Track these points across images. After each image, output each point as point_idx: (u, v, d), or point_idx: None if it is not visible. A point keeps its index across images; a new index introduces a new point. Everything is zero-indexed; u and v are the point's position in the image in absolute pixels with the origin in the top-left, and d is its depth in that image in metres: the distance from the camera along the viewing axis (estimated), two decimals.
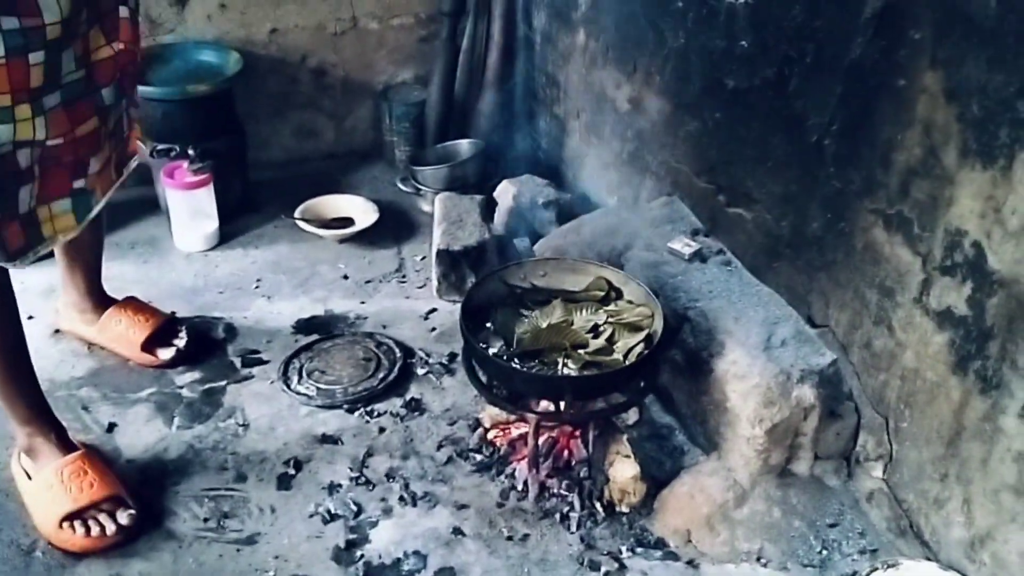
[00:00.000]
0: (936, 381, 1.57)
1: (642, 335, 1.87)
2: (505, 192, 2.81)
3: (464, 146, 3.10)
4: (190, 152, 2.62)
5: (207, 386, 2.19)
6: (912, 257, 1.57)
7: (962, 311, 1.49)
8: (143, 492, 1.87)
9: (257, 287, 2.59)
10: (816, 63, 1.73)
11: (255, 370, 2.25)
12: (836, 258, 1.77)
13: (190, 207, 2.69)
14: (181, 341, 2.26)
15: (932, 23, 1.46)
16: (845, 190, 1.71)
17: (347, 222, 2.85)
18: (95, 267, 2.21)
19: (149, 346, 2.22)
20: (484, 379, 1.89)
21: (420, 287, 2.60)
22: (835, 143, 1.71)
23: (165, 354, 2.23)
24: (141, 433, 2.05)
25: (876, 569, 1.59)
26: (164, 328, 2.26)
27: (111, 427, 2.06)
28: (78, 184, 1.68)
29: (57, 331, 2.32)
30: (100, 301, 2.25)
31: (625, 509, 1.86)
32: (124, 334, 2.21)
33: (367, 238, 2.81)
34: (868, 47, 1.59)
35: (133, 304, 2.27)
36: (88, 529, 1.75)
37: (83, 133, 1.62)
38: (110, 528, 1.75)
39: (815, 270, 1.84)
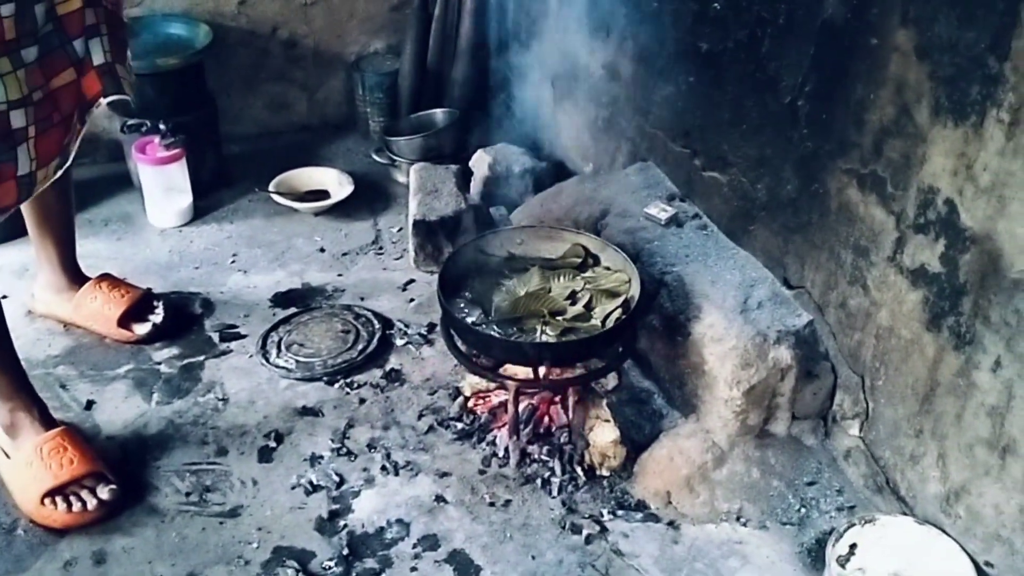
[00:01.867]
0: (911, 339, 1.59)
1: (619, 300, 1.88)
2: (481, 161, 2.80)
3: (438, 115, 3.08)
4: (161, 127, 2.59)
5: (185, 361, 2.18)
6: (886, 216, 1.59)
7: (936, 268, 1.50)
8: (124, 468, 1.87)
9: (233, 262, 2.57)
10: (788, 24, 1.73)
11: (233, 344, 2.24)
12: (811, 219, 1.78)
13: (163, 182, 2.66)
14: (157, 316, 2.25)
15: None
16: (819, 151, 1.72)
17: (322, 195, 2.83)
18: (68, 242, 2.19)
19: (125, 322, 2.20)
20: (463, 348, 1.89)
21: (397, 258, 2.59)
22: (808, 104, 1.72)
23: (141, 329, 2.22)
24: (120, 409, 2.04)
25: (853, 525, 1.61)
26: (140, 304, 2.24)
27: (90, 404, 2.05)
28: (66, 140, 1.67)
29: (29, 313, 2.30)
30: (75, 279, 2.22)
31: (606, 473, 1.88)
32: (100, 311, 2.19)
33: (343, 210, 2.79)
34: (840, 6, 1.59)
35: (108, 280, 2.25)
36: (70, 505, 1.74)
37: (60, 85, 1.60)
38: (91, 503, 1.75)
39: (790, 232, 1.85)
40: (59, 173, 1.69)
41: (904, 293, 1.58)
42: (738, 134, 1.95)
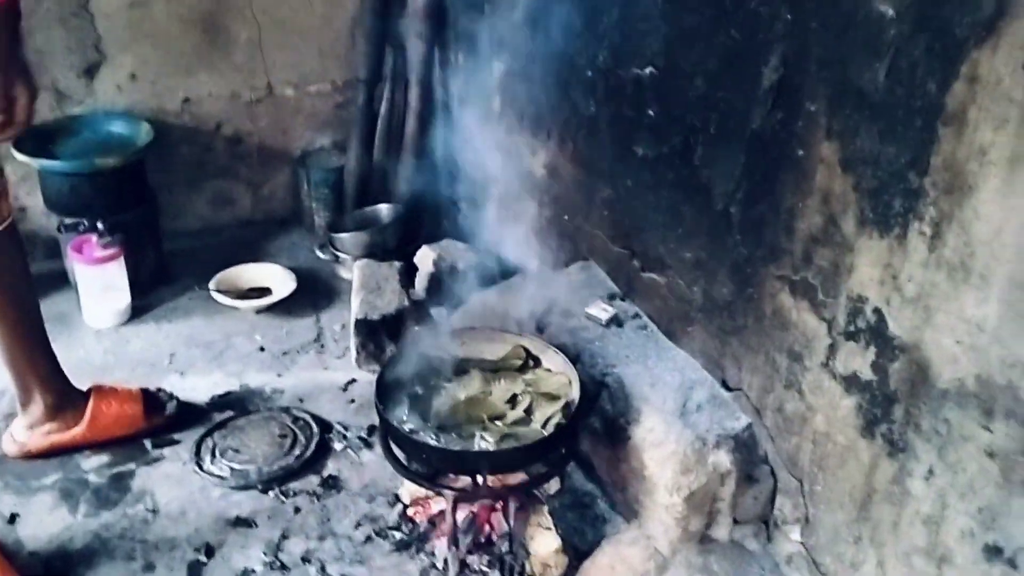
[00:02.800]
0: (846, 444, 1.59)
1: (560, 404, 1.86)
2: (425, 257, 2.80)
3: (383, 211, 3.09)
4: (99, 226, 2.57)
5: (115, 470, 2.12)
6: (818, 323, 1.60)
7: (867, 376, 1.51)
8: None
9: (170, 363, 2.53)
10: (720, 133, 1.76)
11: (166, 451, 2.18)
12: (746, 323, 1.79)
13: (100, 282, 2.62)
14: (170, 400, 2.27)
15: (826, 96, 1.50)
16: (752, 256, 1.74)
17: (264, 292, 2.81)
18: (49, 347, 2.10)
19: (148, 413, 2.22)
20: (401, 455, 1.85)
21: (339, 357, 2.56)
22: (741, 211, 1.74)
23: (170, 410, 2.25)
24: (45, 523, 1.96)
25: None
26: (147, 398, 2.24)
27: (13, 518, 1.97)
28: None
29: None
30: (70, 393, 2.15)
31: None
32: (121, 413, 2.17)
33: (285, 307, 2.77)
34: (768, 118, 1.63)
35: (105, 388, 2.21)
36: None
37: None
38: None
39: (727, 334, 1.86)
40: None
41: (838, 399, 1.58)
42: (674, 237, 1.97)
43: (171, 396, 2.29)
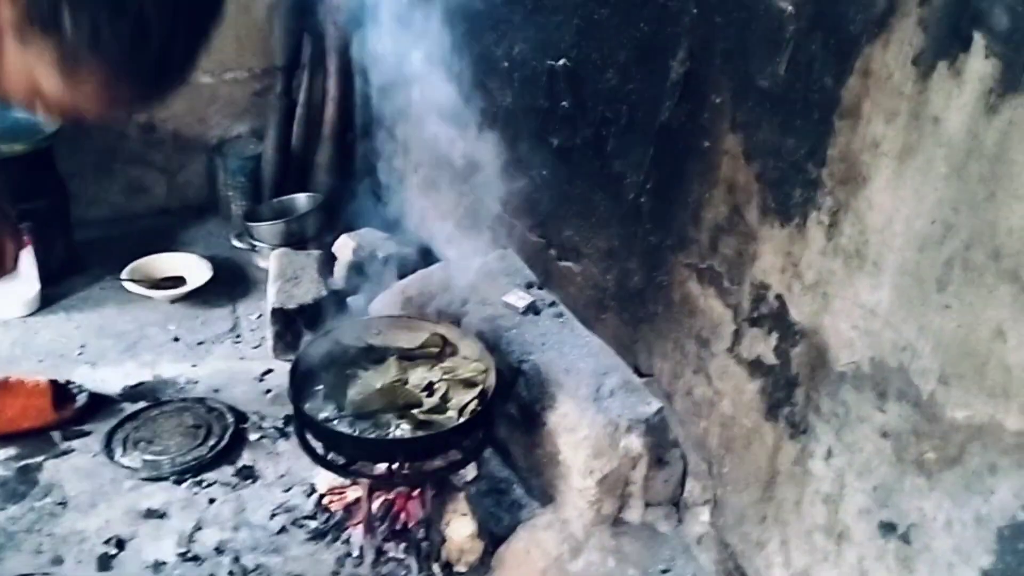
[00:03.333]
0: (751, 427, 1.64)
1: (476, 391, 1.88)
2: (344, 246, 2.79)
3: (302, 200, 3.06)
4: None
5: (23, 463, 2.07)
6: (724, 309, 1.64)
7: (770, 360, 1.56)
8: None
9: (81, 353, 2.47)
10: (630, 125, 1.79)
11: (76, 443, 2.14)
12: (657, 310, 1.83)
13: None
14: (80, 393, 2.24)
15: (730, 89, 1.54)
16: (661, 245, 1.77)
17: (179, 281, 2.76)
18: None
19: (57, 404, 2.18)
20: (317, 444, 1.85)
21: (255, 347, 2.54)
22: (650, 201, 1.78)
23: (80, 402, 2.22)
24: None
25: None
26: (55, 390, 2.20)
27: None
28: None
29: None
30: None
31: (463, 568, 1.85)
32: (28, 406, 2.14)
33: (200, 297, 2.73)
34: (675, 110, 1.67)
35: (10, 381, 2.18)
36: None
37: None
38: None
39: (639, 321, 1.90)
40: None
41: (743, 383, 1.63)
42: (588, 226, 2.00)
43: (81, 388, 2.25)
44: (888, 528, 1.38)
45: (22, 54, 0.92)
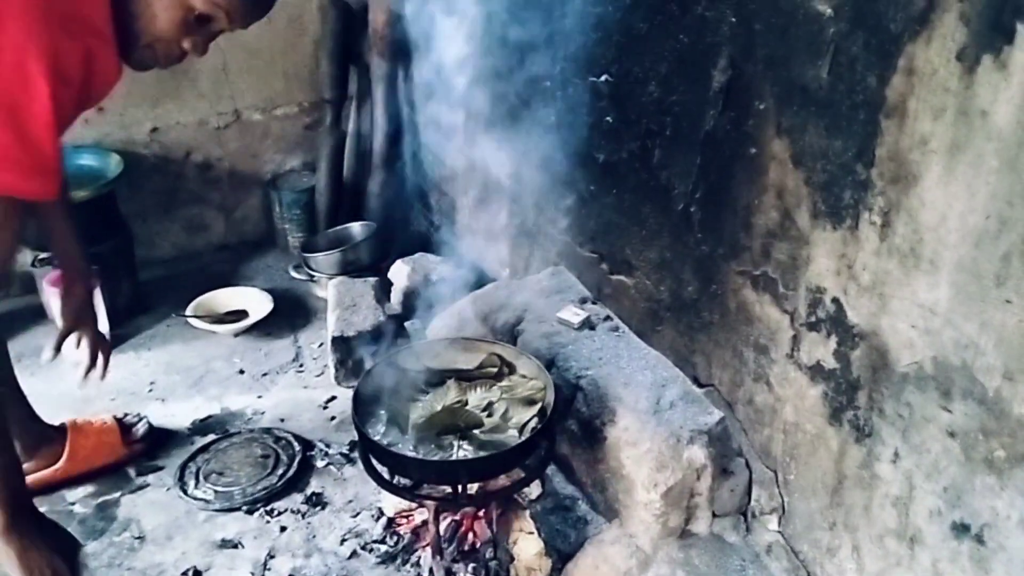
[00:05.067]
0: (815, 433, 1.62)
1: (535, 409, 1.88)
2: (399, 272, 2.83)
3: (356, 229, 3.11)
4: None
5: (100, 499, 2.13)
6: (780, 315, 1.63)
7: (831, 364, 1.54)
8: None
9: (151, 390, 2.54)
10: (675, 135, 1.80)
11: (150, 478, 2.19)
12: (713, 319, 1.83)
13: None
14: (139, 422, 2.27)
15: (774, 95, 1.53)
16: (713, 254, 1.77)
17: (241, 315, 2.82)
18: (20, 390, 2.08)
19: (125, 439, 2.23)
20: (382, 469, 1.87)
21: (318, 375, 2.58)
22: (700, 210, 1.78)
23: (141, 431, 2.25)
24: None
25: None
26: (122, 426, 2.24)
27: None
28: None
29: None
30: (44, 431, 2.15)
31: None
32: (100, 443, 2.19)
33: (262, 329, 2.78)
34: (720, 118, 1.67)
35: (80, 422, 2.21)
36: None
37: None
38: None
39: (695, 331, 1.90)
40: None
41: (805, 389, 1.62)
42: (639, 239, 2.00)
43: (139, 417, 2.29)
44: (961, 529, 1.36)
45: None
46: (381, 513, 2.03)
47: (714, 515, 1.87)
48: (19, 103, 1.25)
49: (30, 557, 1.66)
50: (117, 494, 2.14)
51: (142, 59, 1.45)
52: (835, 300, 1.50)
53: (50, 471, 2.12)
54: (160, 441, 2.30)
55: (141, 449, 2.25)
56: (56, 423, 2.19)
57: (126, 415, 2.30)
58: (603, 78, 1.98)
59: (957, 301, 1.27)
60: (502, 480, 1.87)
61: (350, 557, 1.94)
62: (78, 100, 1.35)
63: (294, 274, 3.00)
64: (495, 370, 2.02)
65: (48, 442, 2.13)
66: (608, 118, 1.99)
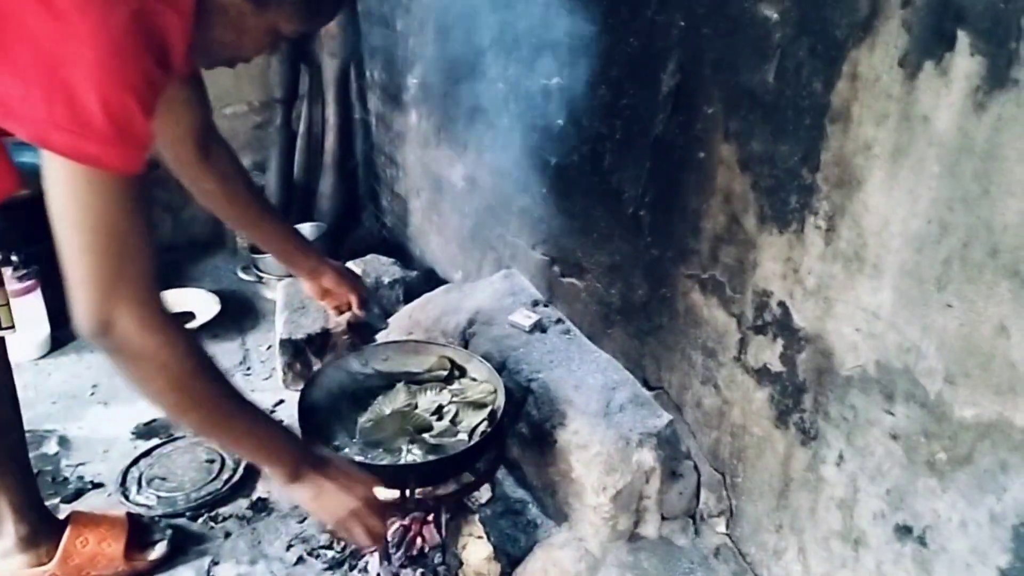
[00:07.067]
0: (762, 435, 1.63)
1: (486, 412, 1.87)
2: None
3: (307, 230, 3.08)
4: (13, 258, 2.51)
5: None
6: (728, 318, 1.64)
7: (777, 367, 1.55)
8: None
9: (93, 393, 2.49)
10: (625, 139, 1.80)
11: (90, 484, 2.13)
12: (662, 322, 1.83)
13: (17, 315, 2.56)
14: (162, 537, 1.95)
15: (722, 99, 1.54)
16: (663, 257, 1.78)
17: (188, 316, 2.78)
18: (29, 471, 1.86)
19: (129, 552, 1.90)
20: None
21: (266, 378, 2.54)
22: (649, 214, 1.78)
23: (155, 553, 1.92)
24: None
25: None
26: (134, 528, 1.94)
27: None
28: None
29: None
30: (45, 523, 1.87)
31: None
32: (97, 552, 1.87)
33: (209, 331, 2.74)
34: (669, 122, 1.67)
35: (84, 518, 1.92)
36: None
37: None
38: None
39: (645, 334, 1.90)
40: None
41: (752, 392, 1.63)
42: (590, 242, 2.00)
43: (165, 530, 1.96)
44: (904, 531, 1.37)
45: (261, 16, 1.26)
46: None
47: (663, 518, 1.88)
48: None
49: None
50: (56, 500, 2.09)
51: (210, 64, 1.42)
52: (781, 303, 1.51)
53: (39, 572, 1.84)
54: (181, 548, 1.97)
55: (147, 567, 1.91)
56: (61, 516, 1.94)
57: (154, 520, 2.00)
58: (555, 81, 1.98)
59: (900, 305, 1.28)
60: (451, 484, 1.86)
61: (296, 563, 1.91)
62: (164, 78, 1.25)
63: (242, 275, 2.96)
64: (445, 373, 2.01)
65: (46, 536, 1.86)
66: (559, 121, 1.99)
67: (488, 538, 1.86)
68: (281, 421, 1.70)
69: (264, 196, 2.02)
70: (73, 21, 1.09)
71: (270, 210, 1.96)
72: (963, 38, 1.10)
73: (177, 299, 2.84)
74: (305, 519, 2.02)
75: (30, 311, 2.58)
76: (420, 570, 1.86)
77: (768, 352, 1.56)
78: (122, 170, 1.18)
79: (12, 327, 1.71)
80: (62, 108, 1.11)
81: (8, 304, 1.68)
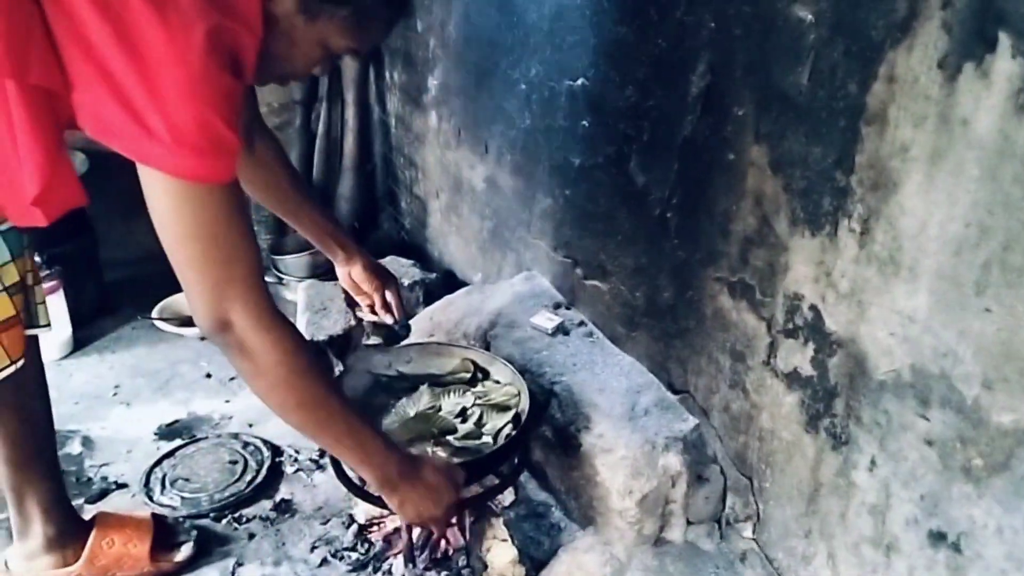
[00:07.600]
0: (791, 440, 1.62)
1: (510, 415, 1.87)
2: None
3: None
4: (36, 259, 2.51)
5: None
6: (757, 322, 1.63)
7: (808, 372, 1.54)
8: None
9: (115, 394, 2.49)
10: (652, 140, 1.79)
11: (114, 484, 2.14)
12: (689, 325, 1.82)
13: None
14: (187, 538, 1.95)
15: (753, 100, 1.53)
16: (690, 260, 1.76)
17: None
18: (57, 469, 1.84)
19: (155, 554, 1.89)
20: (353, 475, 1.84)
21: None
22: (677, 216, 1.77)
23: (181, 555, 1.92)
24: None
25: None
26: (160, 530, 1.93)
27: None
28: None
29: None
30: (71, 523, 1.86)
31: None
32: (124, 553, 1.87)
33: None
34: (698, 124, 1.66)
35: (110, 519, 1.92)
36: None
37: None
38: None
39: (671, 337, 1.89)
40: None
41: (781, 396, 1.61)
42: (615, 244, 1.99)
43: (191, 532, 1.96)
44: (938, 537, 1.35)
45: (311, 28, 1.27)
46: (352, 520, 2.00)
47: (689, 522, 1.86)
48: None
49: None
50: (80, 501, 2.09)
51: (267, 80, 1.44)
52: (813, 307, 1.50)
53: (64, 572, 1.84)
54: (205, 549, 1.96)
55: (173, 569, 1.91)
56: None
57: (178, 521, 1.99)
58: (580, 82, 1.97)
59: (936, 309, 1.27)
60: (475, 487, 1.85)
61: (320, 565, 1.91)
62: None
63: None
64: (468, 375, 2.00)
65: (73, 537, 1.85)
66: (584, 122, 1.98)
67: (512, 541, 1.86)
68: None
69: (305, 185, 2.05)
70: (158, 44, 1.15)
71: (310, 198, 2.00)
72: (1004, 40, 1.09)
73: None
74: (328, 520, 2.02)
75: (52, 312, 2.57)
76: (444, 573, 1.85)
77: (799, 356, 1.55)
78: (218, 180, 1.23)
79: (48, 324, 1.73)
80: (157, 126, 1.16)
81: (44, 302, 1.68)
